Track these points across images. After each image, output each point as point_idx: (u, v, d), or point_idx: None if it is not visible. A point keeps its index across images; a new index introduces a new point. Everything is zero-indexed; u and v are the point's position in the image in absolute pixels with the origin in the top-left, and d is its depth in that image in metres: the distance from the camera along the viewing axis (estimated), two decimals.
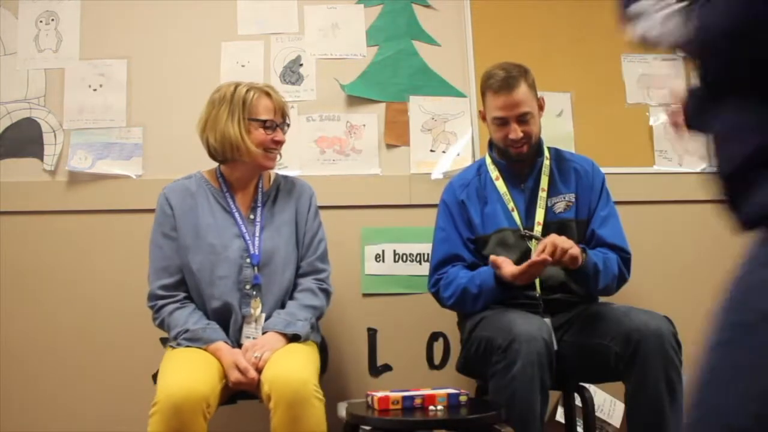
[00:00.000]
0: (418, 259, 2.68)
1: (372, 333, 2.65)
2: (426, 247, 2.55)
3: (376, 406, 1.83)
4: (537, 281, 2.16)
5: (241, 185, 2.20)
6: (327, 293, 2.19)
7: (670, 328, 1.94)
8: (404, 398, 1.84)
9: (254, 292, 2.09)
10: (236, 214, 2.15)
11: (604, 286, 2.14)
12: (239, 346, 2.03)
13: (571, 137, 2.79)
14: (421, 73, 2.80)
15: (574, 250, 2.01)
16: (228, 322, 2.07)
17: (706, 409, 0.85)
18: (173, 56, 2.75)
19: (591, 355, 2.03)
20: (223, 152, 2.12)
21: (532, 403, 1.87)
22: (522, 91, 2.17)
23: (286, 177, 2.31)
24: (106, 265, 2.61)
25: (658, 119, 2.85)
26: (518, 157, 2.24)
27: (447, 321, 2.49)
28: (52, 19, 2.77)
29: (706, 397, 0.86)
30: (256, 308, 2.08)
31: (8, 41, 2.75)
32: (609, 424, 2.60)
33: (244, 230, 2.13)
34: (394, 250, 2.69)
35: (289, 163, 2.68)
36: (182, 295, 2.09)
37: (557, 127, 2.75)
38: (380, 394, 1.84)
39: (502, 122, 2.20)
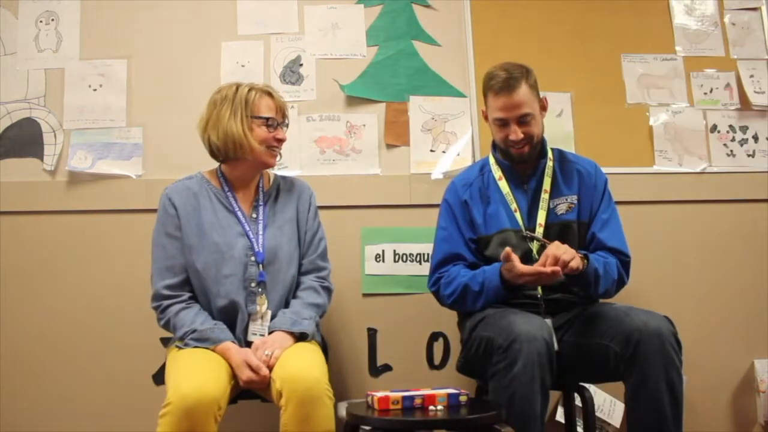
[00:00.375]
0: (418, 259, 2.68)
1: (372, 333, 2.65)
2: (426, 247, 2.55)
3: (376, 406, 1.82)
4: None
5: (242, 184, 2.20)
6: (329, 291, 2.21)
7: (670, 328, 1.94)
8: (404, 398, 1.83)
9: (260, 290, 2.09)
10: (239, 213, 2.16)
11: (603, 291, 2.15)
12: (246, 344, 2.04)
13: (571, 137, 2.79)
14: (421, 73, 2.81)
15: (575, 262, 2.00)
16: (234, 320, 2.08)
17: None
18: (173, 56, 2.75)
19: (591, 355, 2.03)
20: (225, 150, 2.12)
21: (533, 403, 1.87)
22: (522, 92, 2.16)
23: (284, 177, 2.32)
24: (106, 265, 2.61)
25: (658, 119, 2.85)
26: (520, 158, 2.24)
27: (447, 321, 2.49)
28: (52, 19, 2.77)
29: None
30: (262, 305, 2.08)
31: (8, 41, 2.75)
32: (609, 424, 2.60)
33: (248, 228, 2.14)
34: (394, 250, 2.69)
35: (289, 163, 2.68)
36: (187, 295, 2.10)
37: (557, 127, 2.75)
38: (380, 394, 1.84)
39: (503, 123, 2.20)
